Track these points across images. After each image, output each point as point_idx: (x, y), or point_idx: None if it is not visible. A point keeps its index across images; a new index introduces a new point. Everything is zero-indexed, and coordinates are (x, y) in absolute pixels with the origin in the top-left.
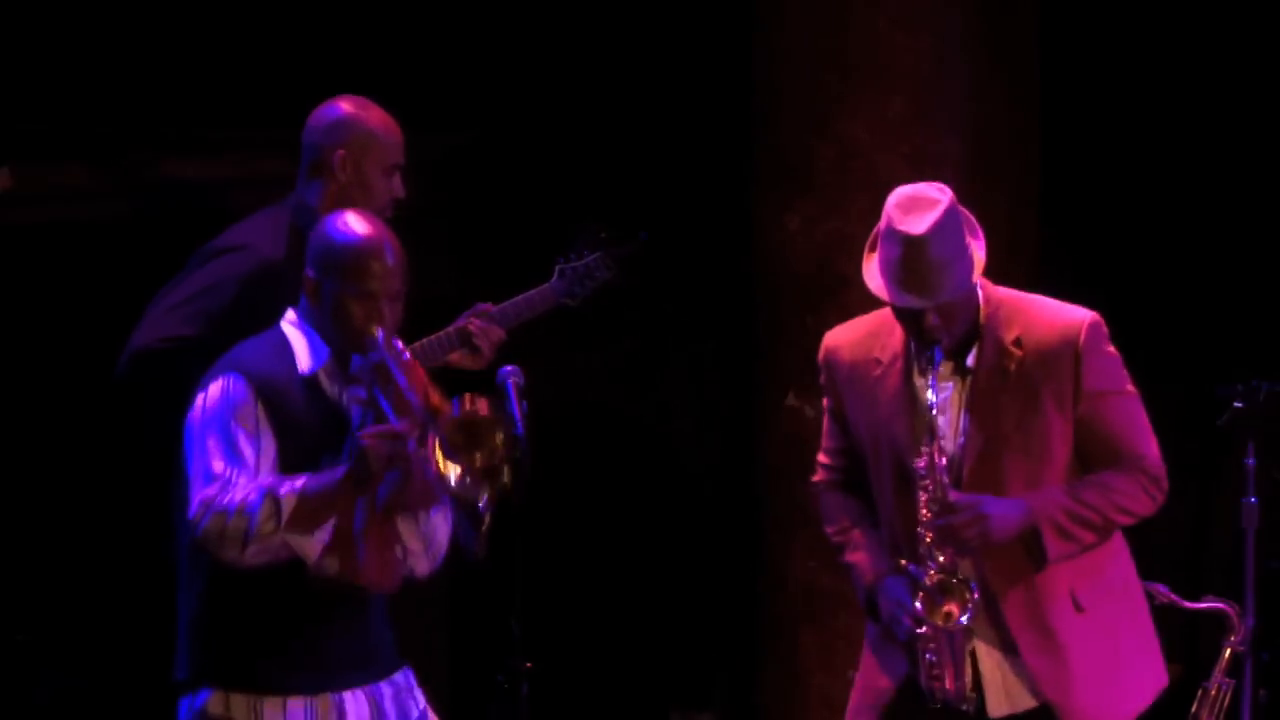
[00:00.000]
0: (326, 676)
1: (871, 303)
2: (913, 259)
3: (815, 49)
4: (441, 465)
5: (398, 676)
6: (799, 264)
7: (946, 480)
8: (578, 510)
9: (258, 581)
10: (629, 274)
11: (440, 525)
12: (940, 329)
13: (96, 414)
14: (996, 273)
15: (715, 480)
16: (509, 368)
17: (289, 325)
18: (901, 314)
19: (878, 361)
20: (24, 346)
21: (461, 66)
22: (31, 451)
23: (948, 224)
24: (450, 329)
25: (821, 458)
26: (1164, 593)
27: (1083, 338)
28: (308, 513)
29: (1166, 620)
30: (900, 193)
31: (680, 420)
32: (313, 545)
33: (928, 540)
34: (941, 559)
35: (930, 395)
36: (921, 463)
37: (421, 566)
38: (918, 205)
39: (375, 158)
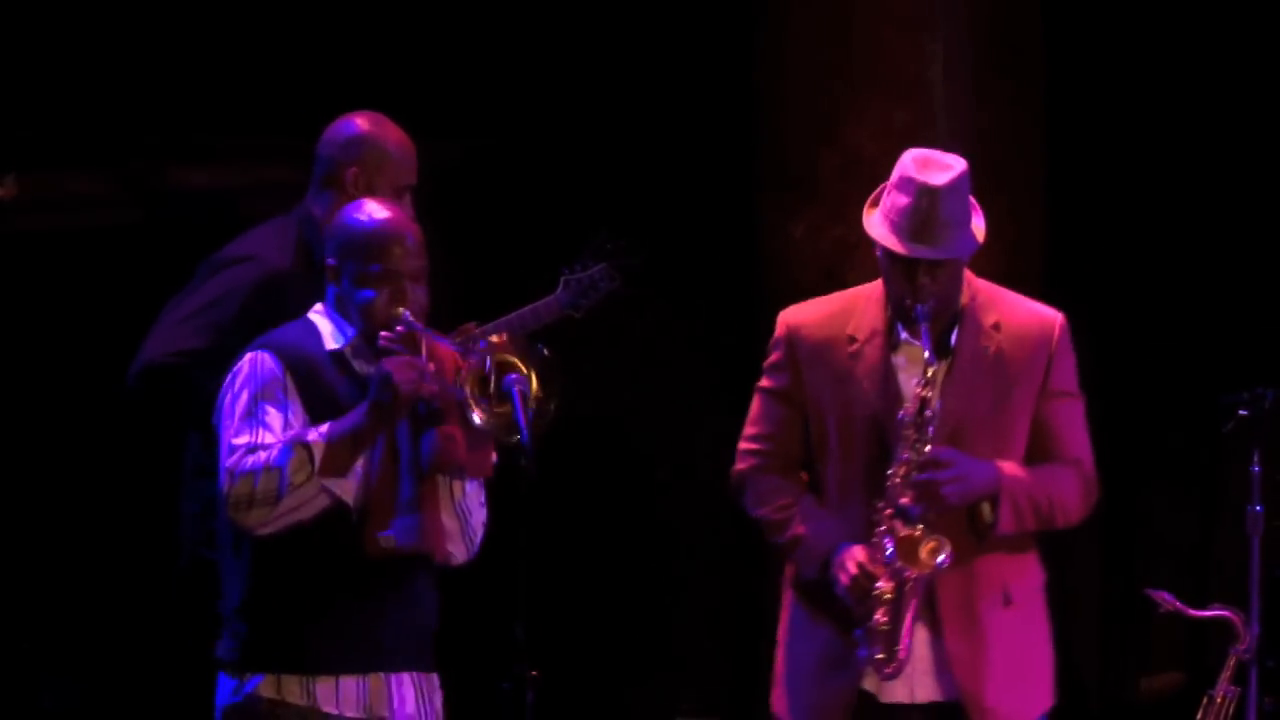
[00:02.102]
0: (378, 656)
1: None
2: (925, 210)
3: (820, 57)
4: (476, 416)
5: (434, 675)
6: (804, 272)
7: (932, 432)
8: (583, 516)
9: (304, 562)
10: (633, 284)
11: (475, 508)
12: (929, 290)
13: (103, 421)
14: (1001, 278)
15: (720, 486)
16: (514, 375)
17: (315, 314)
18: (894, 268)
19: (851, 339)
20: (31, 353)
21: (465, 75)
22: (38, 458)
23: (961, 186)
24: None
25: (748, 444)
26: (1169, 600)
27: (1057, 335)
28: (338, 453)
29: (1172, 628)
30: (917, 151)
31: (684, 427)
32: (348, 486)
33: (898, 491)
34: (916, 510)
35: (926, 350)
36: (910, 412)
37: (458, 550)
38: (935, 163)
39: (388, 177)
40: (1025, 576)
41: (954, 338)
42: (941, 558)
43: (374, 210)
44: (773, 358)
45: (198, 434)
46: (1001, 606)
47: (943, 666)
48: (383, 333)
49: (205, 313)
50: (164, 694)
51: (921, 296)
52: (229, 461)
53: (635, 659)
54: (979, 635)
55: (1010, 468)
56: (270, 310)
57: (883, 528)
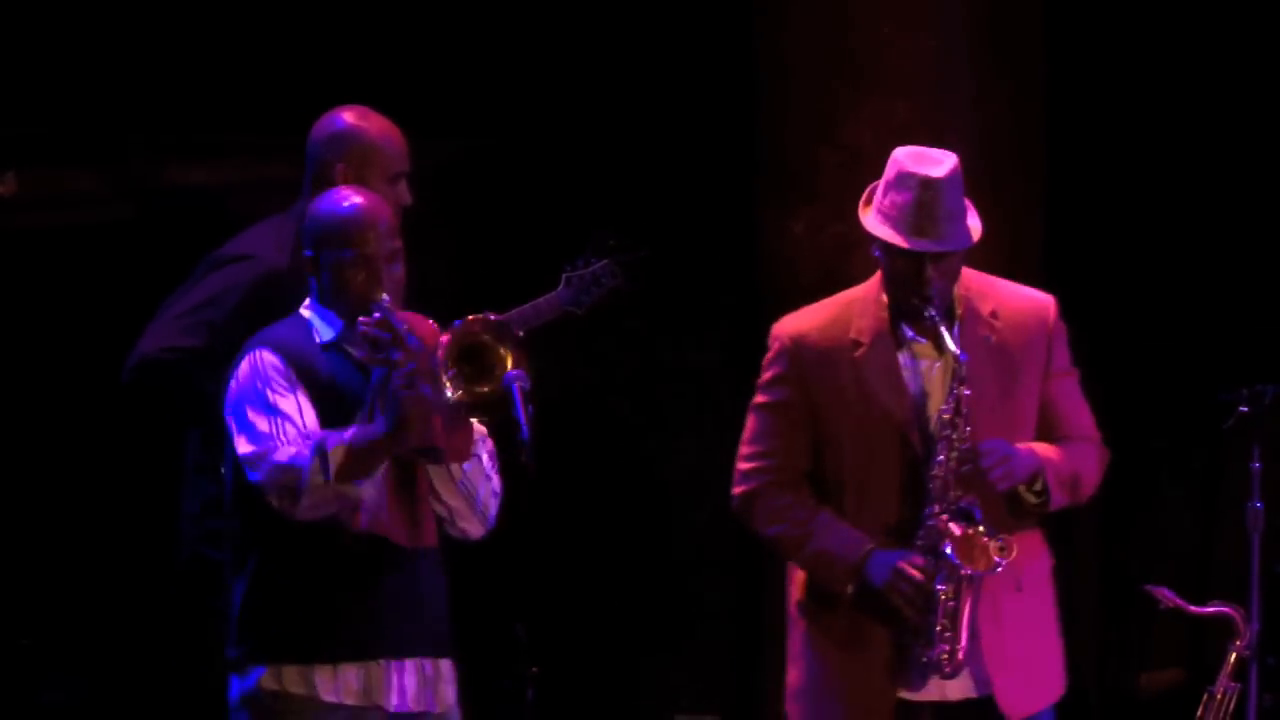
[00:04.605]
0: (376, 643)
1: None
2: (928, 202)
3: (820, 55)
4: (450, 391)
5: (444, 662)
6: (804, 270)
7: (969, 428)
8: (583, 515)
9: (301, 554)
10: (635, 281)
11: (481, 483)
12: (936, 284)
13: (101, 417)
14: (1001, 277)
15: (721, 484)
16: (514, 372)
17: (305, 309)
18: (900, 266)
19: (856, 343)
20: (31, 351)
21: (467, 73)
22: (36, 455)
23: (958, 177)
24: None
25: (751, 464)
26: (1169, 597)
27: (1053, 316)
28: (354, 464)
29: (1172, 624)
30: (907, 148)
31: (685, 425)
32: (364, 493)
33: (952, 494)
34: (978, 509)
35: (951, 345)
36: (947, 411)
37: (473, 527)
38: (928, 157)
39: (377, 169)
40: (1035, 561)
41: (954, 331)
42: (1009, 554)
43: (344, 197)
44: (773, 372)
45: (197, 432)
46: (1013, 591)
47: (974, 661)
48: (361, 319)
49: (201, 310)
50: (164, 691)
51: (930, 291)
52: (257, 449)
53: (636, 657)
54: (999, 623)
55: (1040, 448)
56: (267, 309)
57: (929, 529)
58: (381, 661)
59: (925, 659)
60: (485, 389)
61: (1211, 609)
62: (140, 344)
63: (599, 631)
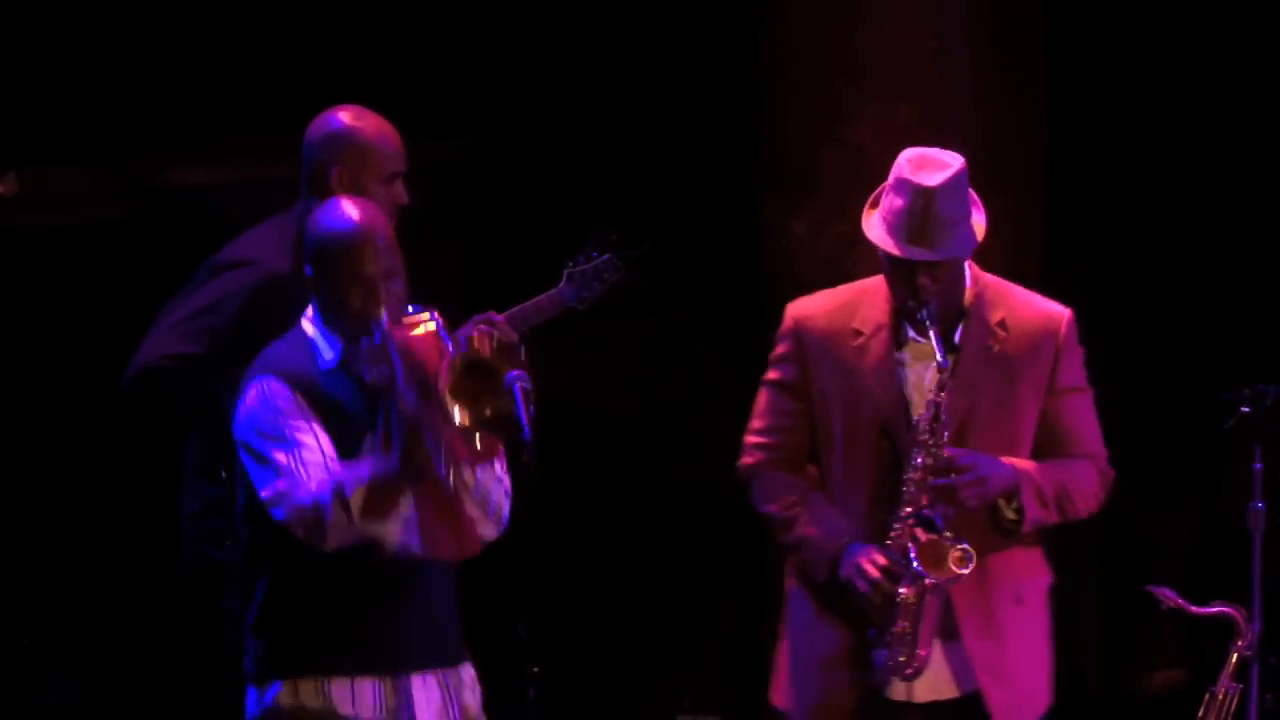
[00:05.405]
0: (395, 658)
1: None
2: (920, 211)
3: (822, 53)
4: (456, 414)
5: (464, 668)
6: (805, 268)
7: (947, 436)
8: (584, 513)
9: (320, 569)
10: (637, 276)
11: (493, 486)
12: (930, 290)
13: (101, 417)
14: (1002, 277)
15: (722, 482)
16: (515, 372)
17: (307, 322)
18: (894, 270)
19: (857, 332)
20: (32, 352)
21: (468, 71)
22: (34, 455)
23: (958, 185)
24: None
25: (755, 438)
26: (1171, 597)
27: (1063, 331)
28: (375, 502)
29: (1173, 624)
30: (913, 150)
31: (686, 423)
32: (390, 529)
33: (922, 500)
34: (940, 518)
35: (936, 351)
36: (925, 418)
37: (487, 531)
38: (930, 162)
39: (372, 170)
40: (1035, 575)
41: (958, 335)
42: (968, 565)
43: (343, 214)
44: (779, 350)
45: (198, 433)
46: (1013, 605)
47: (956, 665)
48: (364, 343)
49: (201, 317)
50: (166, 692)
51: (923, 298)
52: (278, 485)
53: (637, 657)
54: (997, 634)
55: (1022, 463)
56: (268, 315)
57: (899, 531)
58: (400, 676)
59: (886, 661)
60: (490, 409)
61: (1213, 609)
62: (140, 352)
63: (600, 631)
